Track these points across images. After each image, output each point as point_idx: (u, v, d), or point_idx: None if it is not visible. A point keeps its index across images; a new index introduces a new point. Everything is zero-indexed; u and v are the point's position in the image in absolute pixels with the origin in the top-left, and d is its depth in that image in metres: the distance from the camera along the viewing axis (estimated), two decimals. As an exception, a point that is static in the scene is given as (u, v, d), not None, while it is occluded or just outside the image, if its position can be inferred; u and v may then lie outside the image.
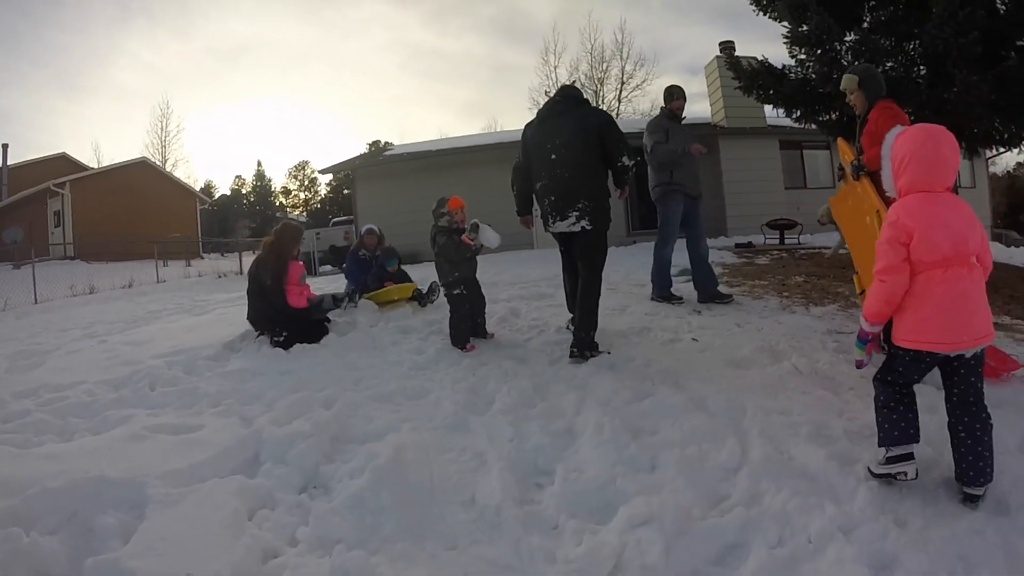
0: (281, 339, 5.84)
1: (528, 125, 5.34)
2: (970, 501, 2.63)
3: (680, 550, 2.48)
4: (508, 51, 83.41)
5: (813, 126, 9.98)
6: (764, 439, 3.23)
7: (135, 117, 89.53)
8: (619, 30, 58.70)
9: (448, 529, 2.78)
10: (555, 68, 43.89)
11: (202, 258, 30.67)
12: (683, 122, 6.94)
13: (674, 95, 6.79)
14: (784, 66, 9.46)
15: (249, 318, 6.25)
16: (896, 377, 2.83)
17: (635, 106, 42.42)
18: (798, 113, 9.51)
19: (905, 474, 2.70)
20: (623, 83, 42.85)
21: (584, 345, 4.84)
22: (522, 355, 5.14)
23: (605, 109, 39.72)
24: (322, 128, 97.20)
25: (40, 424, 4.29)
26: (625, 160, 4.99)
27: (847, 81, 4.66)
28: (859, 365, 3.12)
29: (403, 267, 8.13)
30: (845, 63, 8.32)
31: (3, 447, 3.77)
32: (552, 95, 5.37)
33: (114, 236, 26.02)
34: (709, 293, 6.60)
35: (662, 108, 6.87)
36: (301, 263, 6.45)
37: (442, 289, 6.08)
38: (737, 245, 13.43)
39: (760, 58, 9.82)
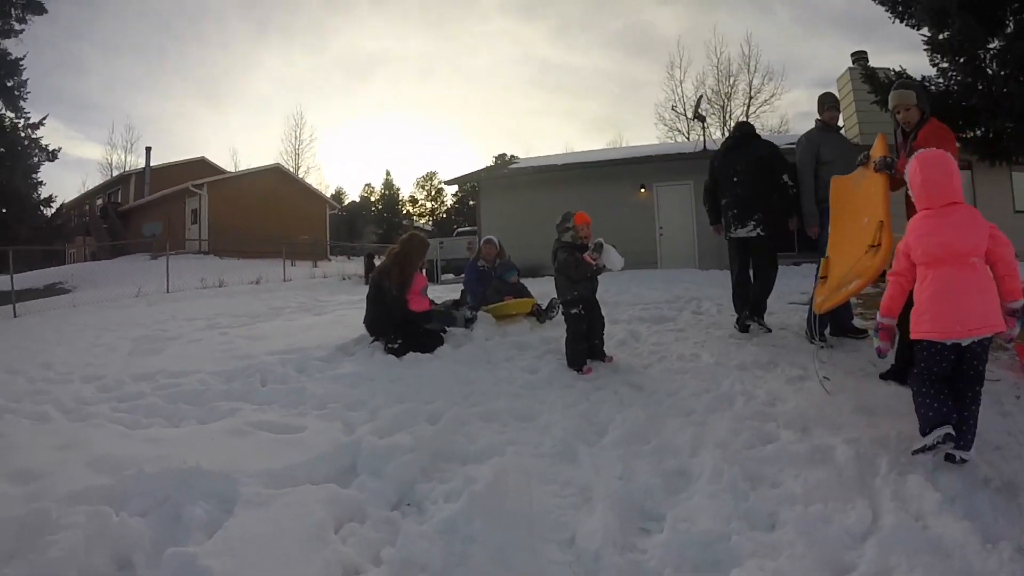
0: (395, 346, 5.76)
1: (716, 154, 6.67)
2: (950, 460, 3.00)
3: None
4: (634, 65, 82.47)
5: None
6: (897, 503, 2.81)
7: (270, 125, 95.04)
8: (746, 43, 56.64)
9: (540, 569, 2.54)
10: (681, 83, 43.10)
11: (329, 260, 31.89)
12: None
13: (825, 105, 6.20)
14: (923, 77, 8.60)
15: (366, 323, 6.22)
16: (921, 370, 3.19)
17: (763, 122, 40.46)
18: None
19: (946, 452, 2.99)
20: (751, 98, 41.38)
21: (757, 312, 6.27)
22: (639, 382, 4.84)
23: (732, 125, 39.41)
24: (449, 140, 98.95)
25: (152, 407, 4.44)
26: (785, 178, 6.12)
27: (903, 96, 4.52)
28: (880, 353, 3.46)
29: (523, 281, 7.95)
30: (990, 72, 7.54)
31: (114, 426, 3.94)
32: (732, 130, 6.95)
33: (246, 235, 27.46)
34: (843, 326, 6.05)
35: (816, 120, 6.30)
36: (424, 275, 6.39)
37: (560, 307, 5.80)
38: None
39: (897, 69, 8.96)
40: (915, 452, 3.06)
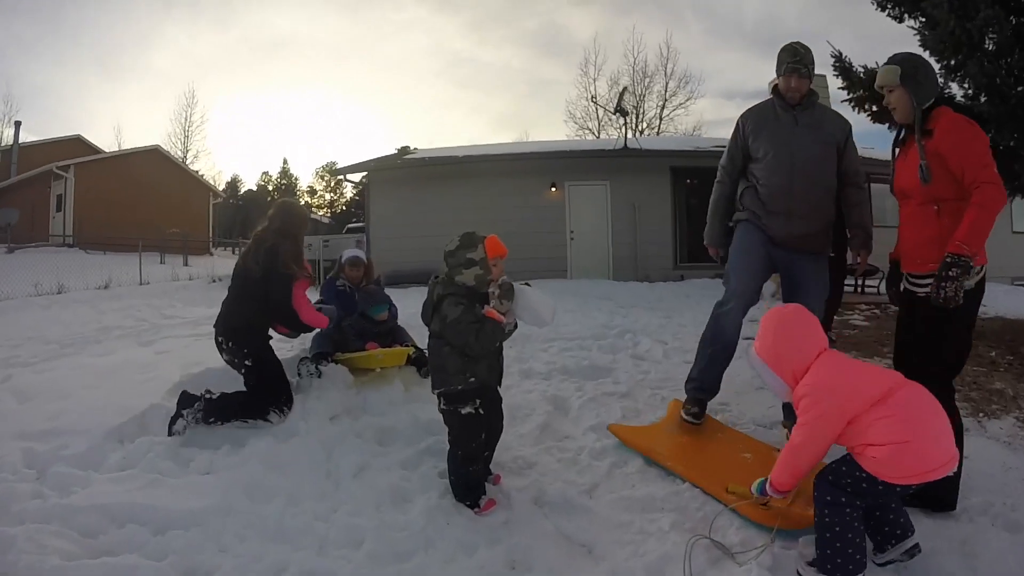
0: (213, 397, 3.87)
1: None
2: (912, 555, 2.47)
3: None
4: (547, 64, 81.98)
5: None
6: None
7: (166, 104, 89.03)
8: (664, 44, 56.85)
9: None
10: (594, 80, 42.73)
11: (212, 255, 29.71)
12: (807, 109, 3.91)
13: (781, 64, 3.85)
14: None
15: (220, 328, 4.24)
16: (857, 501, 2.36)
17: (676, 126, 41.15)
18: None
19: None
20: (666, 100, 41.15)
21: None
22: (585, 535, 2.81)
23: (645, 126, 38.60)
24: (353, 130, 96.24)
25: None
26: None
27: (888, 74, 3.07)
28: None
29: (410, 292, 5.62)
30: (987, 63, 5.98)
31: None
32: None
33: (116, 226, 25.10)
34: None
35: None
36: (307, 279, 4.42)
37: (441, 400, 3.21)
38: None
39: (875, 65, 6.93)
40: None
